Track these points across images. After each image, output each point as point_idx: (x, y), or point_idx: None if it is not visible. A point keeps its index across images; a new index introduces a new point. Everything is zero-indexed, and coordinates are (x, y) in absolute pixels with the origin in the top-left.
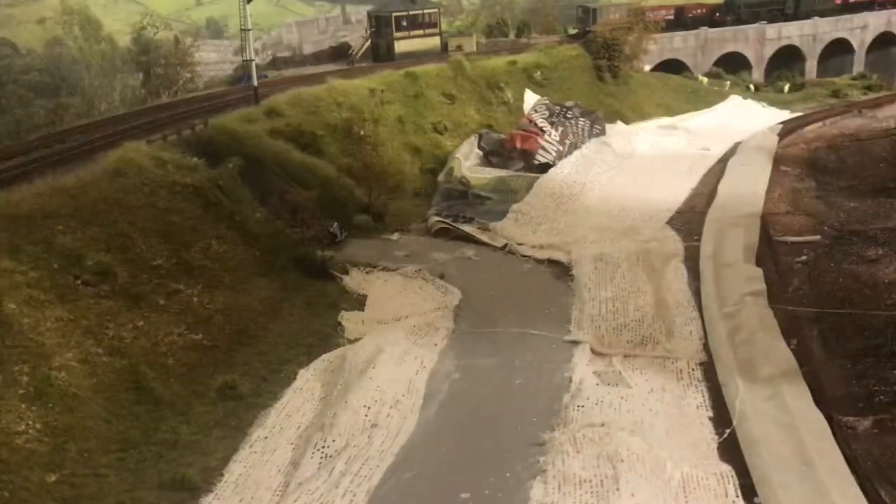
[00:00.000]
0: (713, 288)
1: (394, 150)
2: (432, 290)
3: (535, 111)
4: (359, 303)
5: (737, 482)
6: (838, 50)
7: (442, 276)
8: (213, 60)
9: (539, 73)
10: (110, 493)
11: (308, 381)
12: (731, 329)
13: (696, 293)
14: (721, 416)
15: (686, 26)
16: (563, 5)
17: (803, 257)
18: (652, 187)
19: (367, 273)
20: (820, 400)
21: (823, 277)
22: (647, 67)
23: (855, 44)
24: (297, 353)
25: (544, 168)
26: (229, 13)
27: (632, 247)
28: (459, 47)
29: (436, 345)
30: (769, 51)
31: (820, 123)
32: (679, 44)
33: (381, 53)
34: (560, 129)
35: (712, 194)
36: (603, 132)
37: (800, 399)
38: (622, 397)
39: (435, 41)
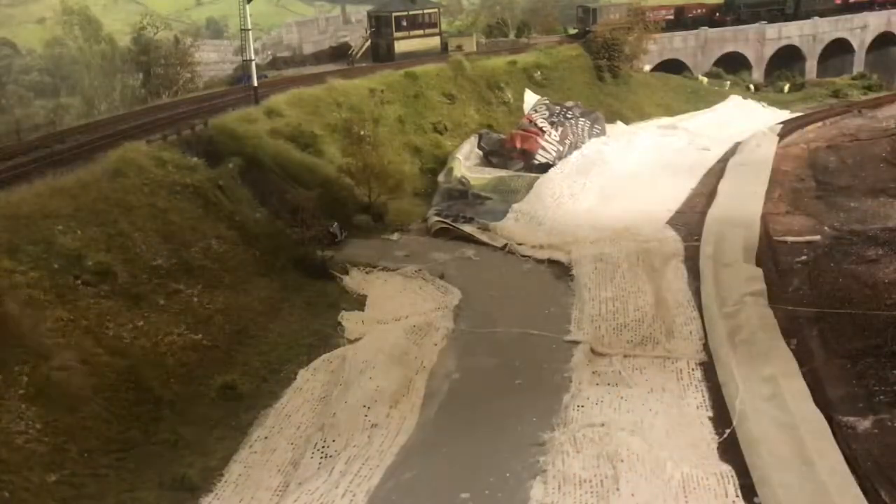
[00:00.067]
0: (713, 288)
1: (394, 150)
2: (432, 290)
3: (535, 111)
4: (359, 303)
5: (737, 482)
6: (838, 50)
7: (442, 276)
8: (213, 60)
9: (539, 73)
10: (110, 493)
11: (308, 381)
12: (731, 329)
13: (696, 293)
14: (721, 416)
15: (686, 26)
16: (563, 5)
17: (803, 257)
18: (652, 187)
19: (367, 273)
20: (820, 400)
21: (823, 277)
22: (647, 67)
23: (855, 44)
24: (297, 353)
25: (544, 168)
26: (229, 13)
27: (632, 247)
28: (459, 47)
29: (436, 345)
30: (769, 51)
31: (820, 123)
32: (679, 44)
33: (381, 53)
34: (560, 129)
35: (712, 194)
36: (603, 132)
37: (800, 399)
38: (622, 397)
39: (435, 41)
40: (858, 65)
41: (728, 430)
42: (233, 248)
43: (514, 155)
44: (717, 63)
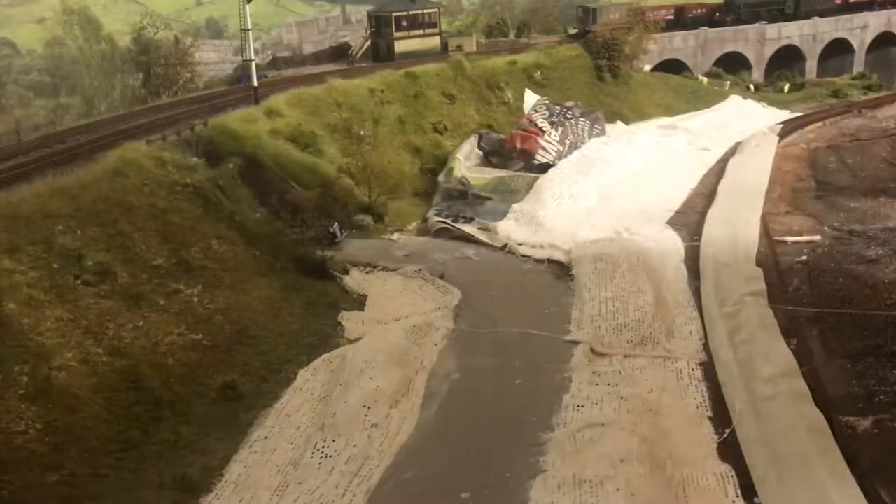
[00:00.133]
0: (713, 288)
1: (394, 150)
2: (432, 290)
3: (535, 111)
4: (359, 303)
5: (737, 482)
6: (838, 50)
7: (442, 276)
8: (213, 60)
9: (539, 73)
10: (110, 493)
11: (308, 381)
12: (731, 329)
13: (696, 293)
14: (721, 416)
15: (686, 26)
16: (563, 5)
17: (803, 257)
18: (652, 187)
19: (367, 273)
20: (820, 400)
21: (823, 277)
22: (647, 67)
23: (855, 44)
24: (297, 353)
25: (544, 168)
26: (229, 13)
27: (632, 247)
28: (459, 47)
29: (436, 345)
30: (769, 51)
31: (820, 123)
32: (679, 44)
33: (381, 53)
34: (560, 129)
35: (712, 194)
36: (603, 132)
37: (800, 399)
38: (622, 397)
39: (435, 41)
40: (858, 65)
41: (728, 430)
42: (233, 248)
43: (514, 155)
44: (717, 63)
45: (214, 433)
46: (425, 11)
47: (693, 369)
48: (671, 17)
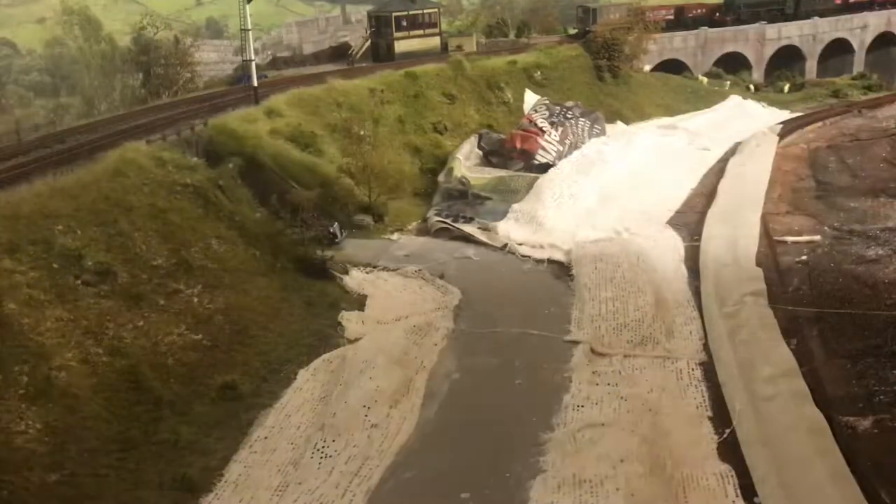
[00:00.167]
0: (713, 288)
1: (394, 150)
2: (432, 290)
3: (535, 111)
4: (359, 303)
5: (737, 482)
6: (838, 50)
7: (442, 276)
8: (213, 60)
9: (539, 73)
10: (110, 493)
11: (308, 381)
12: (731, 329)
13: (696, 293)
14: (721, 416)
15: (686, 26)
16: (563, 5)
17: (803, 257)
18: (652, 187)
19: (367, 273)
20: (820, 400)
21: (823, 277)
22: (647, 67)
23: (855, 44)
24: (297, 353)
25: (544, 168)
26: (229, 13)
27: (632, 247)
28: (459, 47)
29: (436, 345)
30: (769, 51)
31: (820, 123)
32: (679, 44)
33: (381, 53)
34: (560, 129)
35: (712, 194)
36: (603, 132)
37: (800, 399)
38: (622, 397)
39: (435, 41)
40: (858, 65)
41: (728, 430)
42: (233, 248)
43: (514, 155)
44: (717, 63)
45: (214, 433)
46: (425, 11)
47: (693, 369)
48: (671, 17)
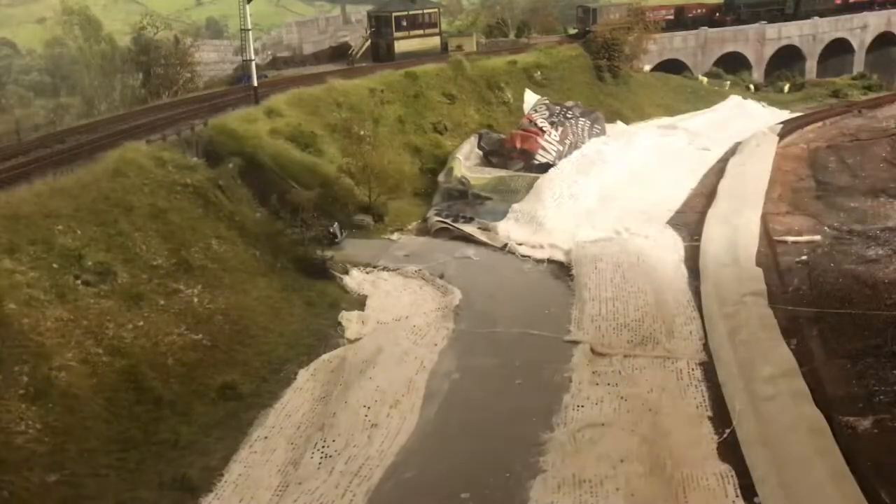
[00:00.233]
0: (713, 288)
1: (394, 150)
2: (432, 290)
3: (535, 111)
4: (359, 303)
5: (737, 482)
6: (838, 50)
7: (442, 276)
8: (213, 60)
9: (539, 73)
10: (110, 493)
11: (308, 381)
12: (731, 329)
13: (696, 293)
14: (721, 416)
15: (686, 26)
16: (563, 5)
17: (803, 257)
18: (652, 187)
19: (367, 273)
20: (820, 400)
21: (823, 277)
22: (647, 67)
23: (855, 44)
24: (297, 353)
25: (544, 168)
26: (229, 13)
27: (632, 247)
28: (459, 47)
29: (436, 345)
30: (769, 51)
31: (820, 123)
32: (679, 44)
33: (381, 53)
34: (560, 129)
35: (712, 194)
36: (603, 132)
37: (800, 399)
38: (622, 397)
39: (435, 41)
40: (858, 65)
41: (728, 430)
42: (233, 248)
43: (514, 155)
44: (717, 63)
45: (214, 433)
46: (425, 11)
47: (693, 369)
48: (671, 17)
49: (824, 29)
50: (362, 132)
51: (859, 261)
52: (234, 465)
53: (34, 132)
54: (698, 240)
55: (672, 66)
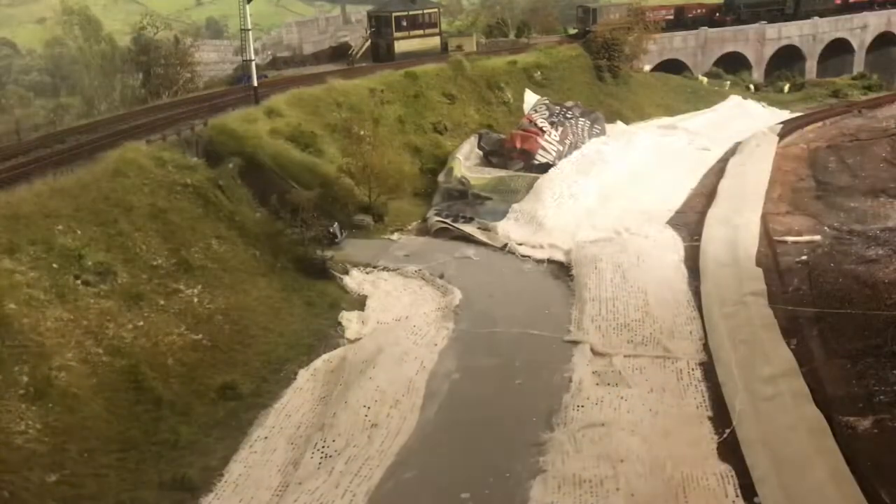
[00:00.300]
0: (713, 288)
1: (394, 150)
2: (432, 291)
3: (535, 111)
4: (359, 303)
5: (737, 482)
6: (838, 50)
7: (442, 276)
8: (213, 60)
9: (539, 73)
10: (110, 493)
11: (308, 381)
12: (731, 329)
13: (696, 293)
14: (721, 416)
15: (686, 26)
16: (563, 5)
17: (803, 257)
18: (652, 187)
19: (367, 273)
20: (820, 400)
21: (823, 277)
22: (647, 67)
23: (855, 44)
24: (297, 353)
25: (544, 168)
26: (229, 13)
27: (632, 247)
28: (459, 47)
29: (436, 345)
30: (769, 51)
31: (820, 123)
32: (679, 44)
33: (381, 53)
34: (560, 129)
35: (712, 194)
36: (603, 132)
37: (800, 399)
38: (622, 397)
39: (435, 41)
40: (858, 65)
41: (728, 430)
42: (233, 248)
43: (514, 155)
44: (717, 63)
45: (214, 433)
46: (425, 11)
47: (693, 369)
48: (671, 17)
49: (824, 29)
50: (362, 132)
51: (859, 261)
52: (234, 465)
53: (34, 132)
54: (698, 240)
55: (672, 66)
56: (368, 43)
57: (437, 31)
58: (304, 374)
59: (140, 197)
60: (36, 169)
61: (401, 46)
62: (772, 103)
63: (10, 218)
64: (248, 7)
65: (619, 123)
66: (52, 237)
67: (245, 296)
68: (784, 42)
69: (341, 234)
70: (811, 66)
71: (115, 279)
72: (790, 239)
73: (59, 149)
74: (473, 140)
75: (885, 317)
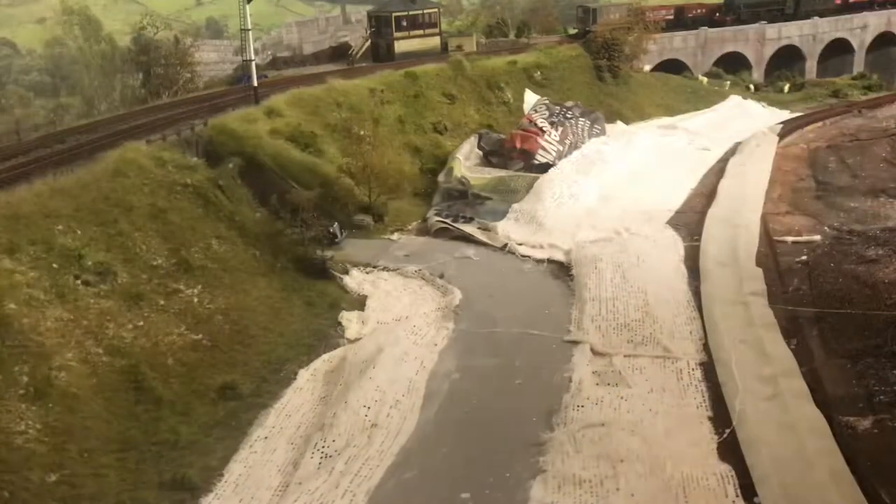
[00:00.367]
0: (713, 288)
1: (394, 150)
2: (432, 290)
3: (535, 111)
4: (359, 303)
5: (737, 482)
6: (838, 50)
7: (442, 276)
8: (213, 60)
9: (539, 73)
10: (110, 493)
11: (308, 381)
12: (731, 329)
13: (696, 293)
14: (721, 416)
15: (686, 26)
16: (563, 5)
17: (803, 257)
18: (652, 187)
19: (367, 273)
20: (820, 400)
21: (823, 277)
22: (647, 67)
23: (855, 44)
24: (297, 353)
25: (544, 168)
26: (229, 13)
27: (632, 247)
28: (459, 47)
29: (436, 345)
30: (769, 51)
31: (820, 123)
32: (679, 44)
33: (381, 53)
34: (560, 129)
35: (712, 194)
36: (603, 132)
37: (800, 399)
38: (622, 397)
39: (435, 41)
40: (858, 65)
41: (728, 430)
42: (233, 248)
43: (514, 155)
44: (717, 63)
45: (214, 433)
46: (425, 11)
47: (693, 369)
48: (671, 17)
49: (824, 29)
50: (362, 132)
51: (859, 261)
52: (234, 465)
53: (34, 132)
54: (698, 240)
55: (672, 66)
56: (368, 43)
57: (437, 31)
58: (304, 374)
59: (140, 197)
60: (36, 169)
61: (401, 46)
62: (772, 103)
63: (10, 218)
64: (248, 7)
65: (619, 123)
66: (52, 237)
67: (245, 296)
68: (784, 42)
69: (341, 234)
70: (811, 66)
71: (115, 279)
72: (790, 239)
73: (59, 149)
74: (473, 140)
75: (885, 317)
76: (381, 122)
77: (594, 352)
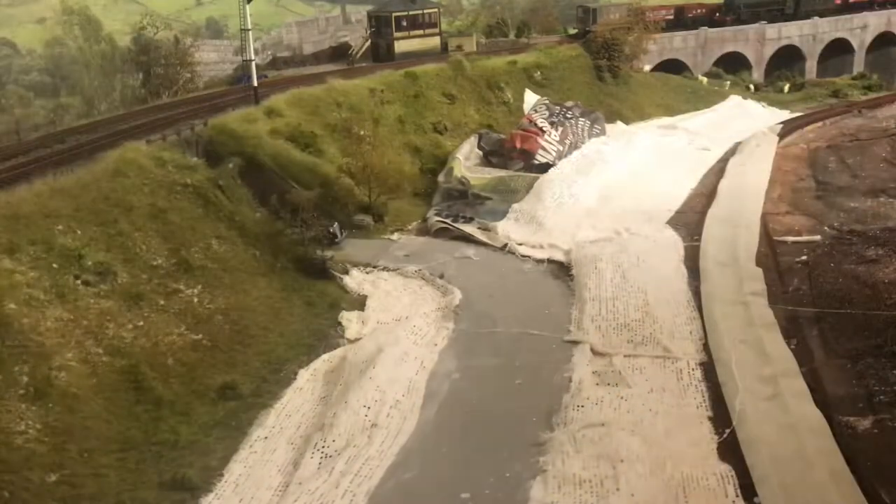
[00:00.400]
0: (713, 288)
1: (394, 150)
2: (432, 290)
3: (535, 111)
4: (359, 303)
5: (737, 482)
6: (838, 50)
7: (442, 276)
8: (213, 60)
9: (539, 73)
10: (110, 493)
11: (308, 381)
12: (731, 329)
13: (696, 293)
14: (721, 416)
15: (686, 26)
16: (563, 5)
17: (803, 257)
18: (652, 187)
19: (367, 273)
20: (820, 400)
21: (823, 277)
22: (647, 67)
23: (855, 44)
24: (297, 353)
25: (544, 168)
26: (229, 13)
27: (632, 247)
28: (459, 47)
29: (436, 345)
30: (769, 51)
31: (820, 123)
32: (679, 44)
33: (381, 53)
34: (560, 129)
35: (712, 194)
36: (603, 132)
37: (800, 399)
38: (622, 397)
39: (435, 41)
40: (858, 65)
41: (728, 430)
42: (233, 248)
43: (514, 155)
44: (717, 63)
45: (214, 433)
46: (425, 11)
47: (693, 369)
48: (671, 17)
49: (824, 29)
50: (362, 132)
51: (859, 261)
52: (234, 465)
53: (34, 132)
54: (698, 240)
55: (672, 66)
56: (368, 43)
57: (437, 31)
58: (304, 374)
59: (140, 197)
60: (36, 169)
61: (401, 46)
62: (772, 103)
63: (10, 218)
64: (248, 7)
65: (619, 123)
66: (52, 237)
67: (245, 296)
68: (784, 42)
69: (341, 234)
70: (811, 66)
71: (115, 279)
72: (790, 239)
73: (59, 149)
74: (473, 140)
75: (885, 317)
76: (381, 122)
77: (594, 352)
